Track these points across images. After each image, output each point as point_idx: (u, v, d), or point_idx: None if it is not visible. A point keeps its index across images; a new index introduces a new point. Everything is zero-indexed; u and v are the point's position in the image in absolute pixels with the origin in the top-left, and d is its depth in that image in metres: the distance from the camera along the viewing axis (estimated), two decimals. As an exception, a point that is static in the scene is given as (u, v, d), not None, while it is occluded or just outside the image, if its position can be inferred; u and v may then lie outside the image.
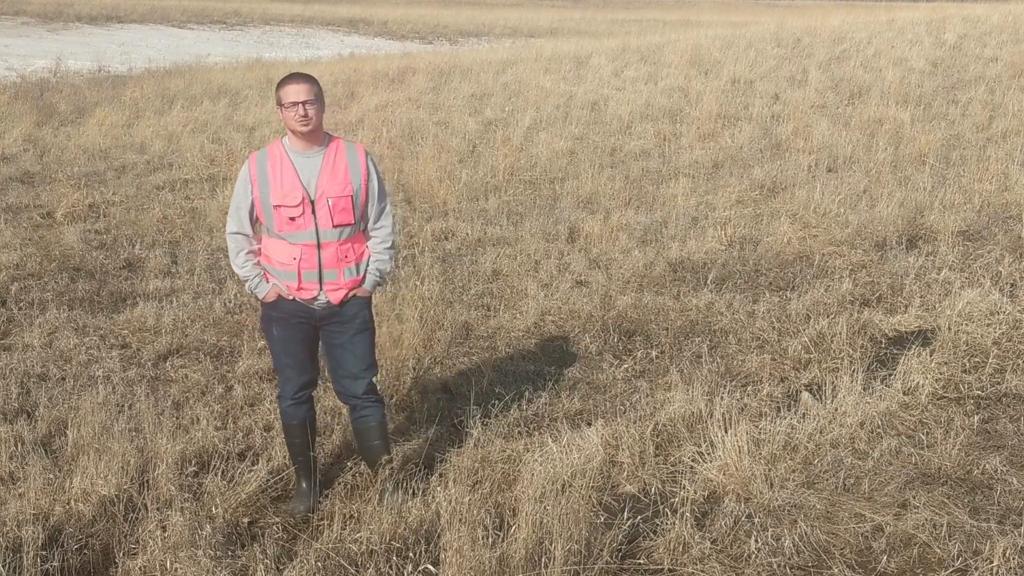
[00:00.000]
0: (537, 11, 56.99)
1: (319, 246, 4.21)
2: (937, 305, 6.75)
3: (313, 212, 4.16)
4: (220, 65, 23.55)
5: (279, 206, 4.15)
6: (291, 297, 4.30)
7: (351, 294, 4.35)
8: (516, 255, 8.30)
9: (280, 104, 4.15)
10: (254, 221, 4.29)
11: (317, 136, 4.21)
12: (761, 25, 26.62)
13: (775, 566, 3.96)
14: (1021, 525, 4.20)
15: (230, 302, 7.22)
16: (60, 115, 15.24)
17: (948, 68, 16.72)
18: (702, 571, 3.92)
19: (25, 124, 13.95)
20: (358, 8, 51.20)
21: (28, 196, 10.36)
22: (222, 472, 4.55)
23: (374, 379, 4.52)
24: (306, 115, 4.09)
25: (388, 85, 18.05)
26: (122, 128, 14.27)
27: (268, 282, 4.32)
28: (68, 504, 4.29)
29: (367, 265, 4.37)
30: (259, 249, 4.35)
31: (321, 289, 4.28)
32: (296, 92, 4.10)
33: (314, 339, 4.48)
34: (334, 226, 4.19)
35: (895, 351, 6.07)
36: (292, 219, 4.16)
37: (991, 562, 3.90)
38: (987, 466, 4.74)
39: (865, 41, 19.86)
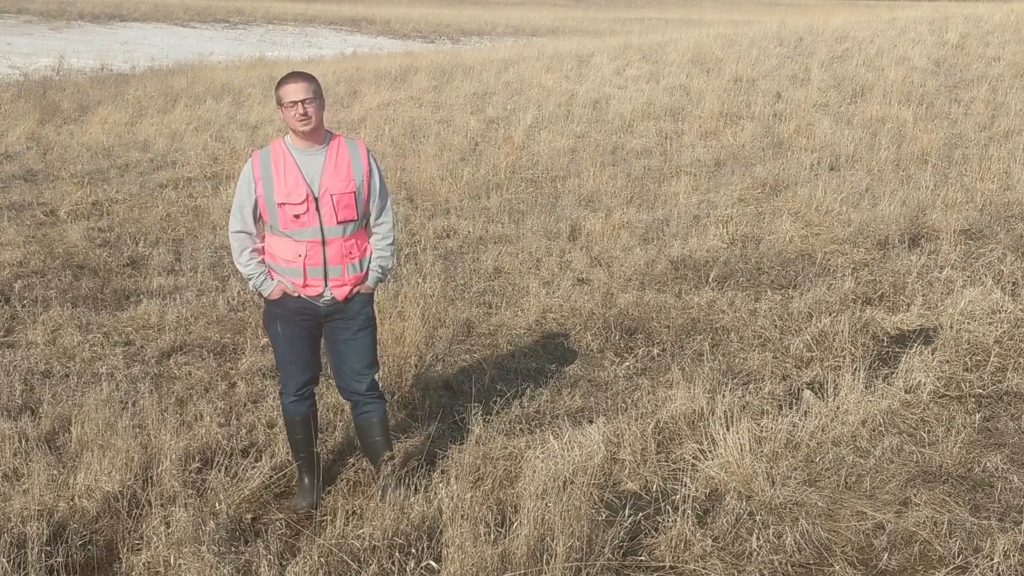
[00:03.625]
0: (539, 10, 56.94)
1: (324, 243, 4.25)
2: (939, 304, 6.76)
3: (317, 209, 4.19)
4: (223, 64, 23.56)
5: (284, 204, 4.18)
6: (296, 295, 4.33)
7: (355, 291, 4.38)
8: (518, 253, 8.31)
9: (280, 104, 4.19)
10: (257, 219, 4.32)
11: (318, 134, 4.24)
12: (763, 24, 26.60)
13: (776, 564, 3.97)
14: (1021, 523, 4.21)
15: (233, 299, 7.24)
16: (63, 113, 15.26)
17: (950, 67, 16.70)
18: (703, 568, 3.93)
19: (28, 122, 13.97)
20: (361, 7, 51.19)
21: (31, 194, 10.38)
22: (225, 468, 4.57)
23: (376, 376, 4.55)
24: (306, 114, 4.13)
25: (390, 84, 18.06)
26: (125, 126, 14.29)
27: (273, 279, 4.34)
28: (72, 500, 4.31)
29: (370, 261, 4.41)
30: (263, 247, 4.37)
31: (326, 286, 4.31)
32: (295, 91, 4.13)
33: (317, 336, 4.51)
34: (338, 222, 4.24)
35: (897, 349, 6.08)
36: (297, 216, 4.19)
37: (991, 559, 3.91)
38: (988, 464, 4.75)
39: (867, 40, 19.84)
